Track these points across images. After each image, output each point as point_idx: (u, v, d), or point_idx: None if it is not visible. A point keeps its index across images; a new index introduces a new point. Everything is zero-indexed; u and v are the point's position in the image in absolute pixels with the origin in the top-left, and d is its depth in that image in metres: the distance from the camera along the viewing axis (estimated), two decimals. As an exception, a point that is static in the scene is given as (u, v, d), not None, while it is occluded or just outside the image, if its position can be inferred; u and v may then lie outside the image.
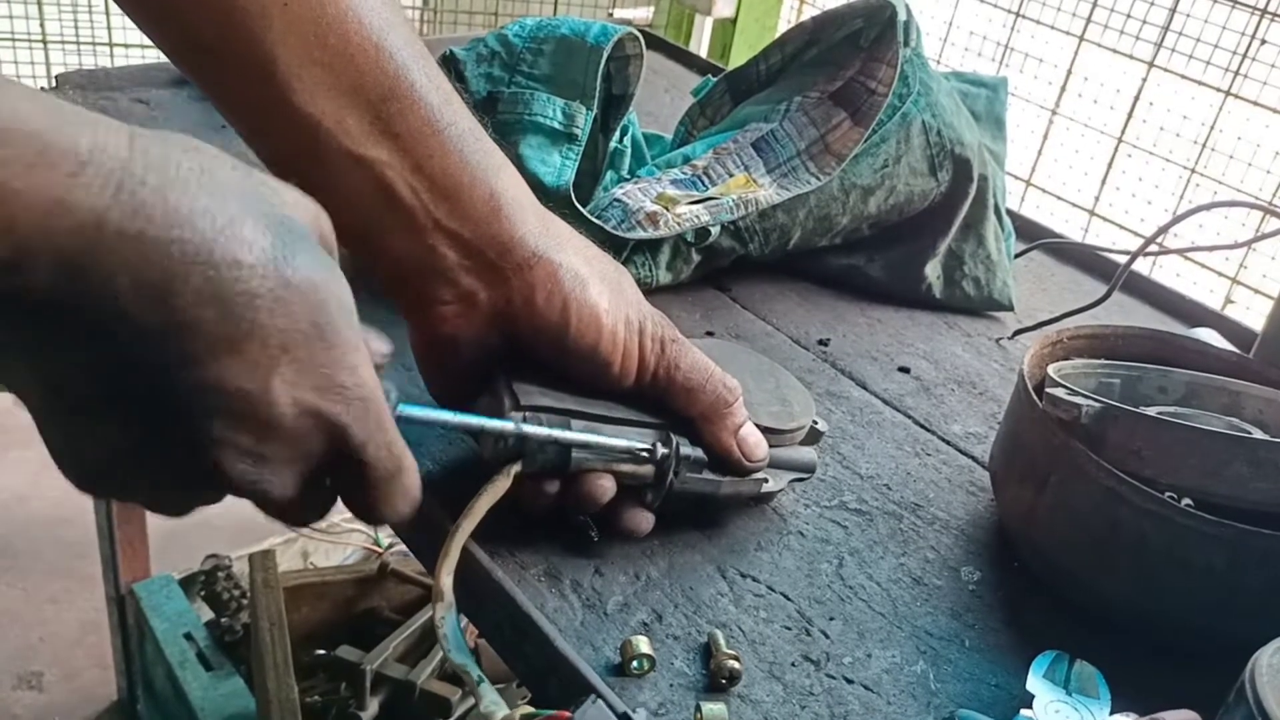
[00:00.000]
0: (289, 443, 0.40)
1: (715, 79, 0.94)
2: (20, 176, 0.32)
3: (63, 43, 2.01)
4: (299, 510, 0.44)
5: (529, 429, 0.52)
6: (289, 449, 0.40)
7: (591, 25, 0.78)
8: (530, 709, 0.45)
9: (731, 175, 0.83)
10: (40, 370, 0.37)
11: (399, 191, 0.51)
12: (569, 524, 0.58)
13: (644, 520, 0.56)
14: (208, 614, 1.54)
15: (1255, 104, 1.15)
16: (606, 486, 0.55)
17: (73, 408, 0.38)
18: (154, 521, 1.54)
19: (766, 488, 0.60)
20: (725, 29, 1.78)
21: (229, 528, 1.98)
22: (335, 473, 0.43)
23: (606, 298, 0.54)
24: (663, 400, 0.56)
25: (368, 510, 0.45)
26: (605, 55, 0.77)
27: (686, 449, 0.56)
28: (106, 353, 0.35)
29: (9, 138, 0.32)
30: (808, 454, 0.63)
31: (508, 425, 0.52)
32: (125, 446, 0.39)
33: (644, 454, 0.54)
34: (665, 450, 0.55)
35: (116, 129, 0.35)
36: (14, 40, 1.99)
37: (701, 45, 1.84)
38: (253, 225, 0.36)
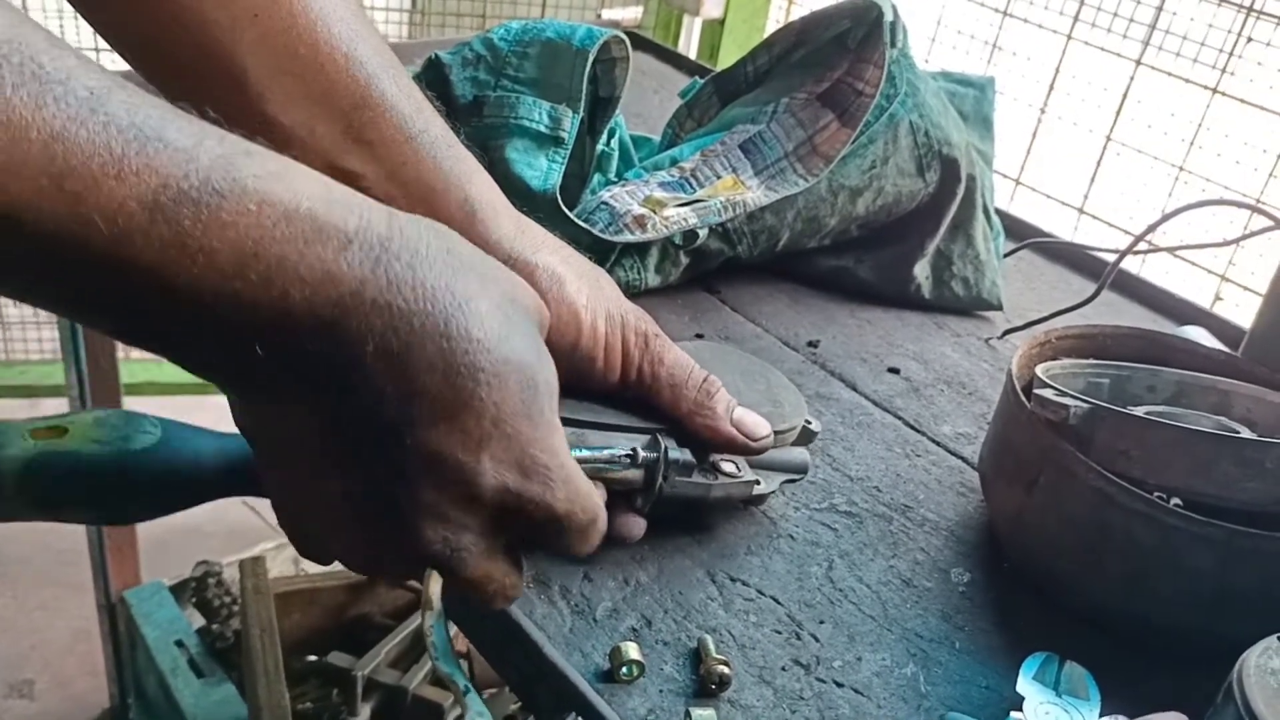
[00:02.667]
0: (487, 514, 0.42)
1: (703, 81, 0.93)
2: (297, 253, 0.35)
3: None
4: (490, 581, 0.45)
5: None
6: (487, 520, 0.42)
7: (577, 28, 0.78)
8: None
9: (719, 177, 0.82)
10: (289, 417, 0.40)
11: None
12: None
13: (635, 526, 0.56)
14: (199, 621, 1.53)
15: (1243, 102, 1.15)
16: None
17: (310, 458, 0.40)
18: (144, 529, 1.54)
19: (758, 490, 0.60)
20: (713, 30, 1.78)
21: (219, 534, 1.98)
22: (533, 535, 0.45)
23: (585, 294, 0.55)
24: (648, 400, 0.56)
25: (561, 553, 0.47)
26: (591, 58, 0.77)
27: (675, 452, 0.55)
28: (348, 408, 0.38)
29: (291, 217, 0.35)
30: (800, 454, 0.63)
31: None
32: (344, 499, 0.41)
33: (626, 459, 0.54)
34: (653, 454, 0.55)
35: (377, 209, 0.38)
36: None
37: (690, 46, 1.83)
38: (486, 304, 0.39)
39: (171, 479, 0.44)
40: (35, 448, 0.40)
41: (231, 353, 0.37)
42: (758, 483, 0.59)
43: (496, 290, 0.41)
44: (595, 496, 0.45)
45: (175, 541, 1.91)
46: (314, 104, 0.51)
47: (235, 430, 0.44)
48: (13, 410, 2.24)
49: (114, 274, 0.33)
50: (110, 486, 0.43)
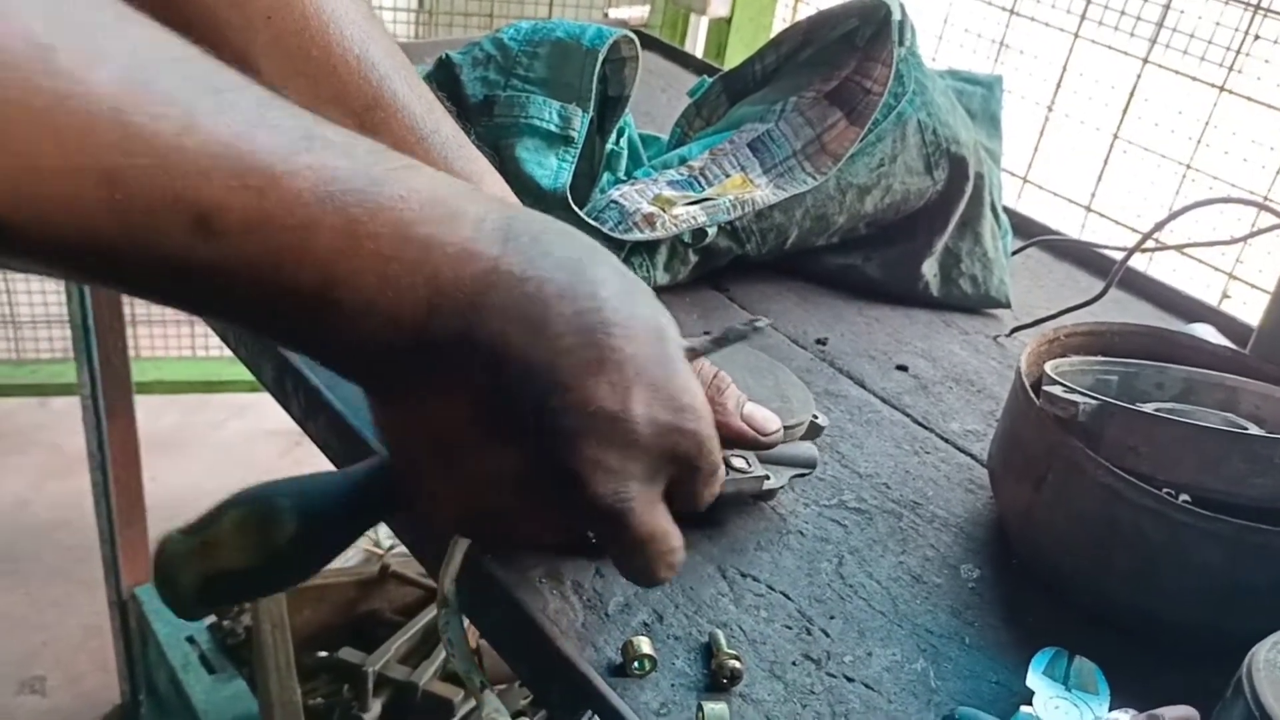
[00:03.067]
0: (648, 459, 0.43)
1: (711, 80, 0.94)
2: (442, 233, 0.38)
3: None
4: (656, 539, 0.46)
5: None
6: (648, 465, 0.44)
7: (587, 28, 0.78)
8: None
9: (728, 176, 0.83)
10: (439, 408, 0.41)
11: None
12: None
13: None
14: (210, 617, 1.54)
15: (1250, 99, 1.15)
16: None
17: (469, 447, 0.42)
18: (155, 525, 1.54)
19: (768, 485, 0.60)
20: (720, 28, 1.78)
21: (230, 531, 1.98)
22: (679, 484, 0.46)
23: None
24: None
25: (691, 507, 0.48)
26: (600, 58, 0.77)
27: None
28: (500, 382, 0.40)
29: (432, 203, 0.38)
30: (808, 449, 0.63)
31: None
32: (513, 478, 0.42)
33: None
34: None
35: (489, 198, 0.42)
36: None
37: (697, 45, 1.84)
38: (605, 269, 0.42)
39: (319, 547, 0.46)
40: (200, 573, 0.43)
41: (385, 347, 0.39)
42: (768, 478, 0.60)
43: (606, 257, 0.43)
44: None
45: (185, 539, 1.92)
46: (327, 105, 0.52)
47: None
48: (25, 410, 2.25)
49: (294, 267, 0.36)
50: (269, 580, 0.45)
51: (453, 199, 0.39)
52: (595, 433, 0.41)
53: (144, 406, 1.47)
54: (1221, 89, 1.17)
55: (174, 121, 0.33)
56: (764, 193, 0.81)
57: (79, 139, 0.31)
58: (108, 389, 1.37)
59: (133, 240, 0.33)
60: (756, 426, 0.57)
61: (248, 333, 0.41)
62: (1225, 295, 1.19)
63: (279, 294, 0.37)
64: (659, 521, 0.45)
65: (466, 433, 0.41)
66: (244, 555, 0.43)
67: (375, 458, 0.48)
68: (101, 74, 0.31)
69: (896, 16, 0.83)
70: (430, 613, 1.46)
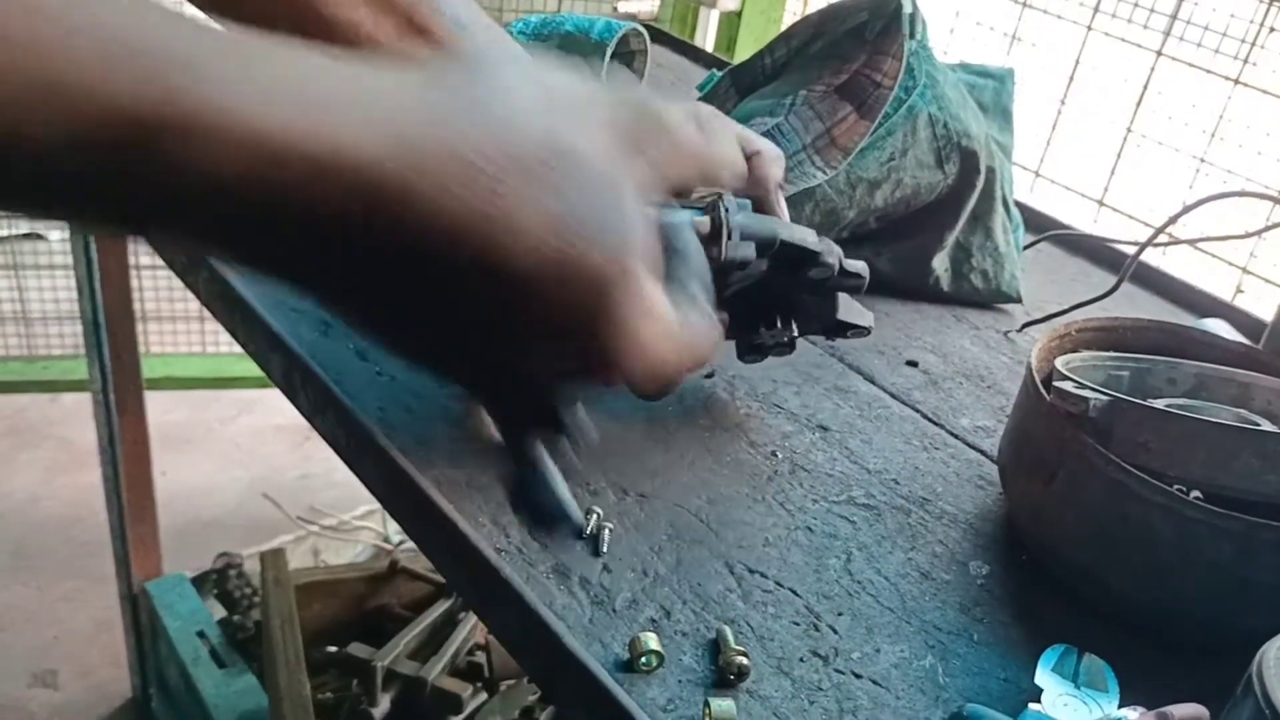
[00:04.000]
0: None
1: (720, 74, 0.93)
2: (357, 92, 0.34)
3: None
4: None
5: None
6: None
7: (596, 22, 0.78)
8: None
9: (737, 170, 0.82)
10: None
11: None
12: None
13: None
14: (220, 612, 1.55)
15: (1265, 92, 1.14)
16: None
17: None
18: (166, 520, 1.55)
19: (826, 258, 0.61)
20: (730, 22, 1.77)
21: (240, 526, 1.99)
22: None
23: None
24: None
25: None
26: (610, 51, 0.77)
27: (731, 198, 0.56)
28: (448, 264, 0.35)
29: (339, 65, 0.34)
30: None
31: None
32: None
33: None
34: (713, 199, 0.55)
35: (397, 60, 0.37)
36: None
37: (707, 38, 1.83)
38: (529, 88, 0.37)
39: None
40: None
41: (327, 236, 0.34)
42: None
43: (532, 75, 0.38)
44: None
45: (196, 533, 1.93)
46: (376, 4, 0.55)
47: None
48: (36, 405, 2.26)
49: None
50: None
51: (360, 64, 0.35)
52: (548, 286, 0.35)
53: (154, 402, 1.48)
54: (1236, 82, 1.16)
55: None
56: (773, 187, 0.81)
57: None
58: (118, 385, 1.37)
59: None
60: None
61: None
62: (1239, 290, 1.18)
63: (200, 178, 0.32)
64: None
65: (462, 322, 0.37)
66: None
67: None
68: None
69: (907, 10, 0.82)
70: (438, 608, 1.46)
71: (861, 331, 0.68)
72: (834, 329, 0.68)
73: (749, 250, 0.56)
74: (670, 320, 0.38)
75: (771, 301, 0.65)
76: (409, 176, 0.33)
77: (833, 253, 0.63)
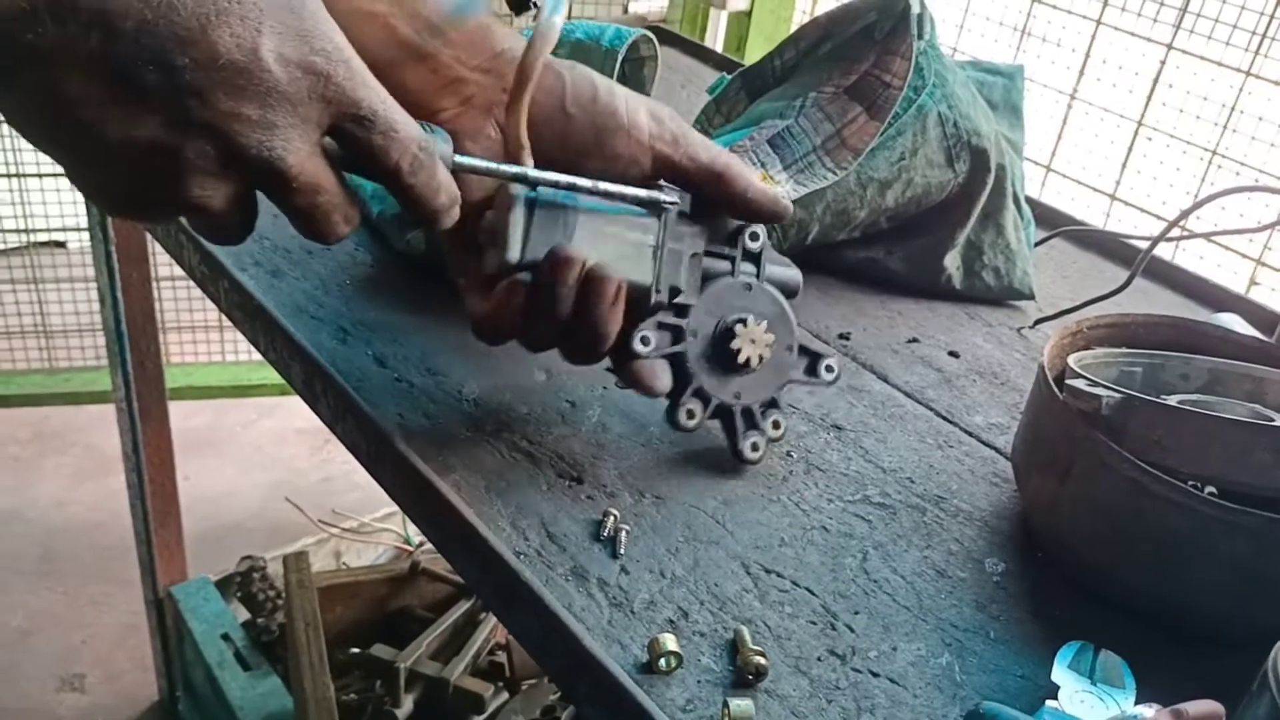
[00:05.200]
0: (290, 104, 0.44)
1: (730, 76, 0.94)
2: None
3: None
4: (318, 191, 0.47)
5: (546, 174, 0.57)
6: (291, 112, 0.45)
7: (606, 29, 0.79)
8: None
9: (749, 172, 0.83)
10: (62, 87, 0.41)
11: (401, 31, 0.57)
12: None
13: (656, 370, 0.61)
14: (244, 615, 1.56)
15: (1276, 84, 1.14)
16: (612, 285, 0.57)
17: (95, 115, 0.42)
18: (190, 524, 1.57)
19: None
20: (740, 22, 1.78)
21: (262, 529, 2.01)
22: (345, 143, 0.48)
23: (598, 75, 0.60)
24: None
25: (394, 180, 0.50)
26: (620, 58, 0.77)
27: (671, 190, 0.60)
28: (116, 49, 0.40)
29: None
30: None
31: (530, 173, 0.56)
32: (147, 142, 0.43)
33: (640, 197, 0.59)
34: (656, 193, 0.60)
35: None
36: None
37: (717, 39, 1.84)
38: None
39: None
40: None
41: None
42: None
43: None
44: (408, 122, 0.49)
45: (219, 537, 1.95)
46: None
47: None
48: (60, 412, 2.28)
49: None
50: None
51: None
52: (228, 85, 0.42)
53: (176, 408, 1.49)
54: (1247, 74, 1.16)
55: None
56: (784, 189, 0.81)
57: None
58: (142, 394, 1.39)
59: None
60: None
61: None
62: (1253, 282, 1.18)
63: None
64: (317, 171, 0.47)
65: (97, 99, 0.41)
66: None
67: None
68: None
69: (915, 10, 0.83)
70: (459, 609, 1.47)
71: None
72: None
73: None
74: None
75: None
76: None
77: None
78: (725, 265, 0.63)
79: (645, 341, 0.60)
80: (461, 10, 0.58)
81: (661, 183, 0.61)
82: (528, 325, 0.58)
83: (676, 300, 0.61)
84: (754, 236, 0.64)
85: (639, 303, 0.60)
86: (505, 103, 0.57)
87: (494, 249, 0.58)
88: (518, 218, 0.57)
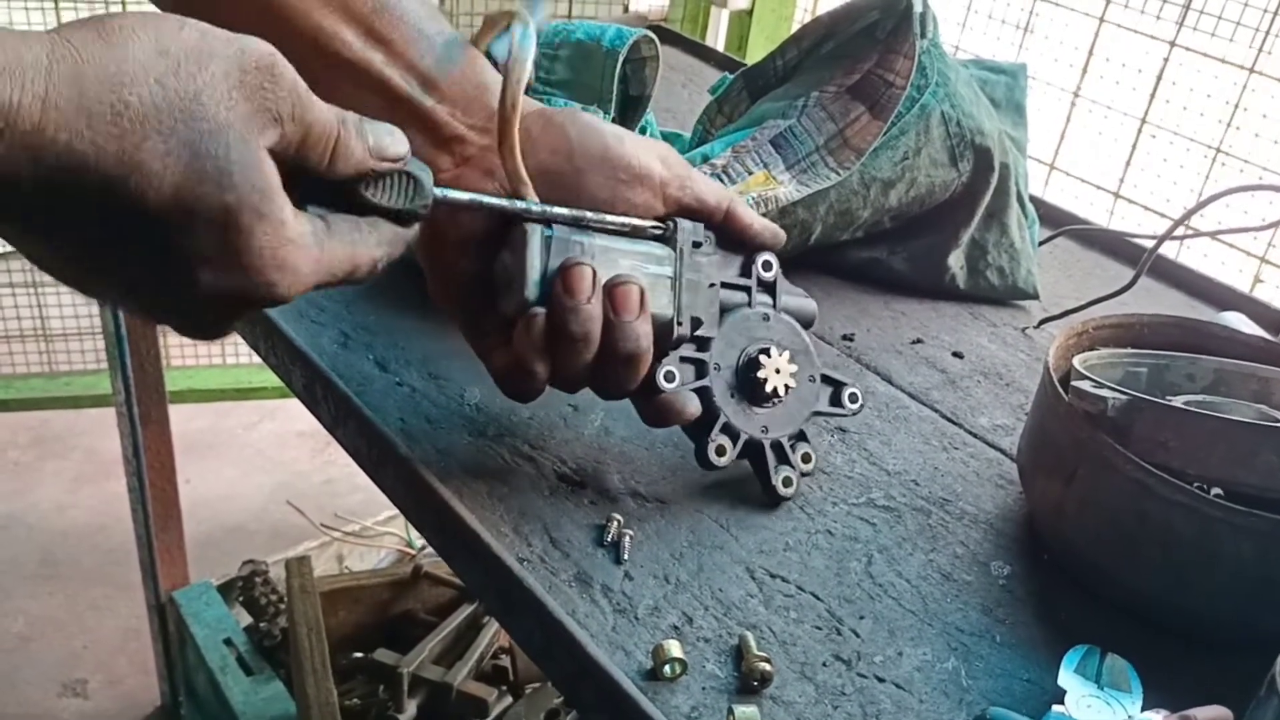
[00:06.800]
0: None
1: (732, 76, 0.93)
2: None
3: (75, 2, 2.02)
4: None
5: (552, 209, 0.55)
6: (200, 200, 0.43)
7: (606, 29, 0.78)
8: None
9: (751, 173, 0.83)
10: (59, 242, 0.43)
11: (395, 86, 0.57)
12: None
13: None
14: (246, 619, 1.56)
15: (1280, 81, 1.13)
16: (634, 289, 0.56)
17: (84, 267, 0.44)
18: (191, 527, 1.56)
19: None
20: (741, 20, 1.77)
21: (263, 532, 2.01)
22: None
23: (601, 122, 0.59)
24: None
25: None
26: (621, 59, 0.77)
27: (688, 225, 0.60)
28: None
29: None
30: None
31: (534, 207, 0.55)
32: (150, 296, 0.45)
33: (654, 230, 0.59)
34: (671, 227, 0.59)
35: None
36: (25, 1, 2.01)
37: (718, 38, 1.83)
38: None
39: None
40: None
41: None
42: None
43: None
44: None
45: (221, 539, 1.95)
46: (335, 11, 0.56)
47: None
48: (61, 415, 2.28)
49: None
50: None
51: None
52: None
53: (177, 410, 1.49)
54: (1251, 70, 1.15)
55: None
56: (787, 189, 0.81)
57: None
58: (142, 398, 1.38)
59: None
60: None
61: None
62: (1258, 279, 1.17)
63: None
64: (316, 272, 0.47)
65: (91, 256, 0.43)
66: None
67: None
68: None
69: (917, 9, 0.82)
70: (462, 613, 1.47)
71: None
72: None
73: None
74: (300, 238, 0.45)
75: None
76: (45, 119, 0.38)
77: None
78: (741, 296, 0.62)
79: (670, 377, 0.58)
80: (449, 56, 0.58)
81: (676, 219, 0.60)
82: (554, 357, 0.56)
83: (698, 333, 0.60)
84: (767, 266, 0.63)
85: (661, 337, 0.58)
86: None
87: (510, 291, 0.56)
88: (533, 255, 0.55)
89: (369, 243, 0.49)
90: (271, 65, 0.43)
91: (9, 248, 0.43)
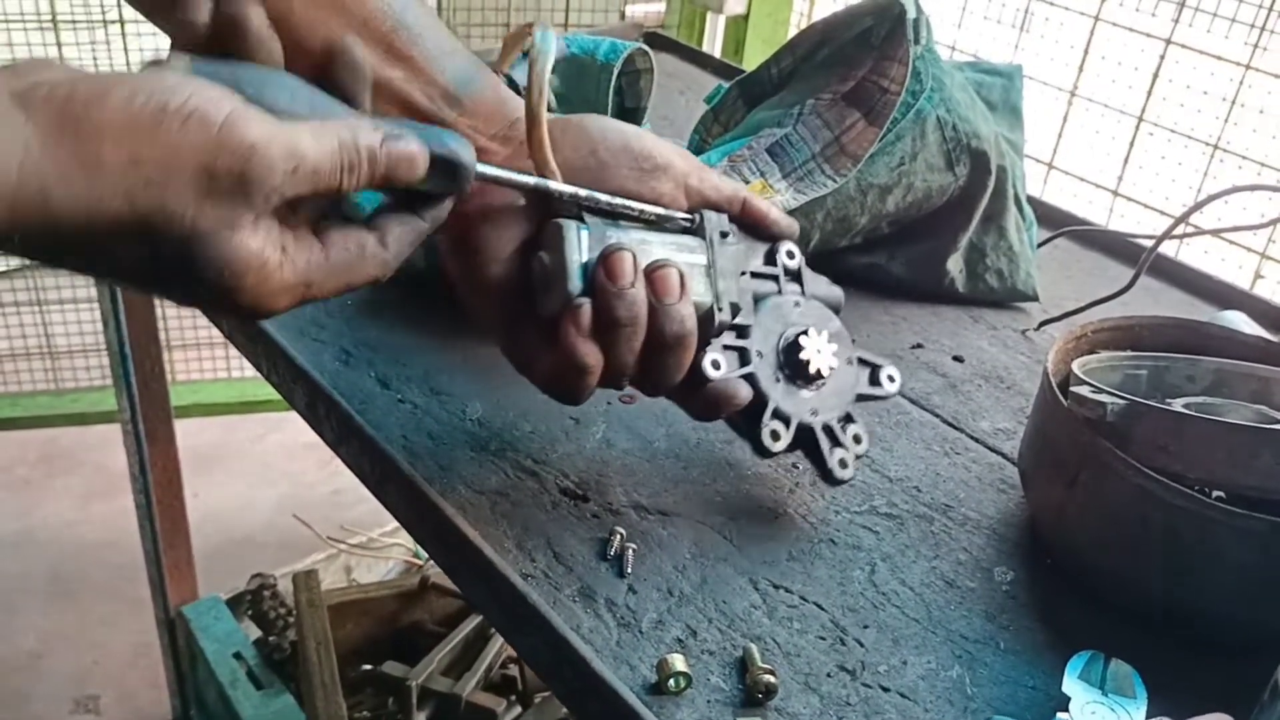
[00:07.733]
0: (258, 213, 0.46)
1: (728, 85, 0.94)
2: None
3: (73, 23, 2.02)
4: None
5: (586, 191, 0.56)
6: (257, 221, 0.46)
7: (600, 43, 0.78)
8: None
9: (747, 182, 0.83)
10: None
11: (416, 102, 0.58)
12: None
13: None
14: (255, 632, 1.56)
15: (1276, 76, 1.13)
16: (673, 271, 0.56)
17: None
18: (199, 541, 1.57)
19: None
20: (738, 26, 1.78)
21: (271, 544, 2.01)
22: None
23: (618, 122, 0.60)
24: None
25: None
26: (615, 72, 0.77)
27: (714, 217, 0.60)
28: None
29: None
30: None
31: (567, 188, 0.55)
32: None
33: (683, 221, 0.59)
34: (699, 218, 0.60)
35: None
36: (24, 22, 2.01)
37: (715, 44, 1.84)
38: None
39: None
40: None
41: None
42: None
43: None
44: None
45: (229, 552, 1.95)
46: (354, 30, 0.56)
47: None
48: (68, 432, 2.29)
49: None
50: None
51: None
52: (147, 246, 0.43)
53: (184, 424, 1.49)
54: (1248, 67, 1.15)
55: None
56: (784, 197, 0.81)
57: None
58: (147, 414, 1.39)
59: None
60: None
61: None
62: (1258, 276, 1.17)
63: None
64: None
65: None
66: None
67: None
68: None
69: (911, 14, 0.82)
70: (470, 624, 1.47)
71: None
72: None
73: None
74: (268, 261, 0.46)
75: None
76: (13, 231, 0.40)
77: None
78: (771, 285, 0.62)
79: (716, 365, 0.58)
80: (471, 81, 0.58)
81: (701, 210, 0.60)
82: (604, 347, 0.55)
83: (737, 321, 0.60)
84: (790, 254, 0.63)
85: (702, 324, 0.58)
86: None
87: (551, 287, 0.55)
88: (571, 248, 0.54)
89: (369, 264, 0.51)
90: (243, 170, 0.44)
91: (13, 265, 0.45)
